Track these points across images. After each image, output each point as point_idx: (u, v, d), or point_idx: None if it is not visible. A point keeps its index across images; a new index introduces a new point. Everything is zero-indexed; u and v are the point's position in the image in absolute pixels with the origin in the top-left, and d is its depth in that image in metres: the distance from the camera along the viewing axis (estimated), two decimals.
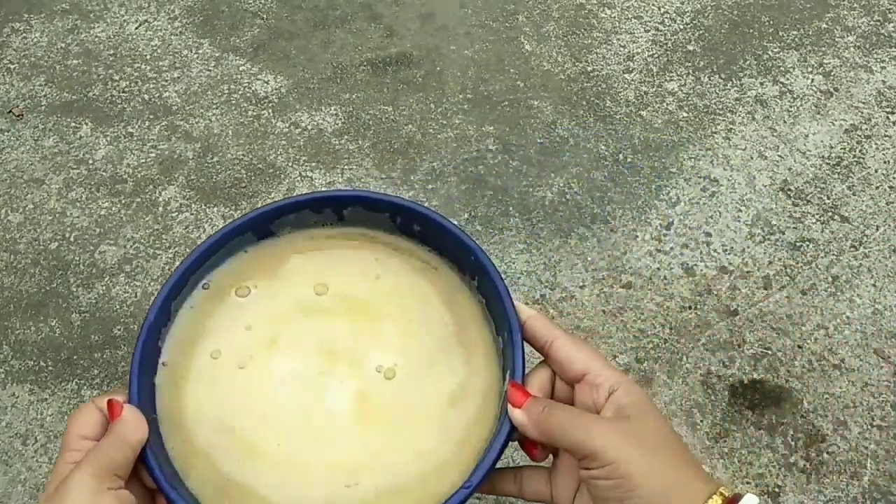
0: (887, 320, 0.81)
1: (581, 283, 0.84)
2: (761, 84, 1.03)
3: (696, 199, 0.92)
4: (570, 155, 0.96)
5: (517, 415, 0.44)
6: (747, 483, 0.71)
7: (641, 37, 1.08)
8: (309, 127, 0.99)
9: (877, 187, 0.92)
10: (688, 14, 1.11)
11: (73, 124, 1.00)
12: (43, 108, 1.02)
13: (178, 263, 0.53)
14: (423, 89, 1.03)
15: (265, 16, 1.13)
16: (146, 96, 1.03)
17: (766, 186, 0.92)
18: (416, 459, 0.46)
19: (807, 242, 0.88)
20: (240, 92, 1.03)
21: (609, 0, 1.13)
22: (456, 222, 0.89)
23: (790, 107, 1.00)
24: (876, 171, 0.94)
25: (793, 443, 0.73)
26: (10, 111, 1.02)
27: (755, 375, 0.78)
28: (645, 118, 0.99)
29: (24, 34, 1.11)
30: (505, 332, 0.48)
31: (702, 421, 0.75)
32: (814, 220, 0.89)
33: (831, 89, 1.02)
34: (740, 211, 0.90)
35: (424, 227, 0.52)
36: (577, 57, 1.06)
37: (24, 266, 0.87)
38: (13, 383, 0.78)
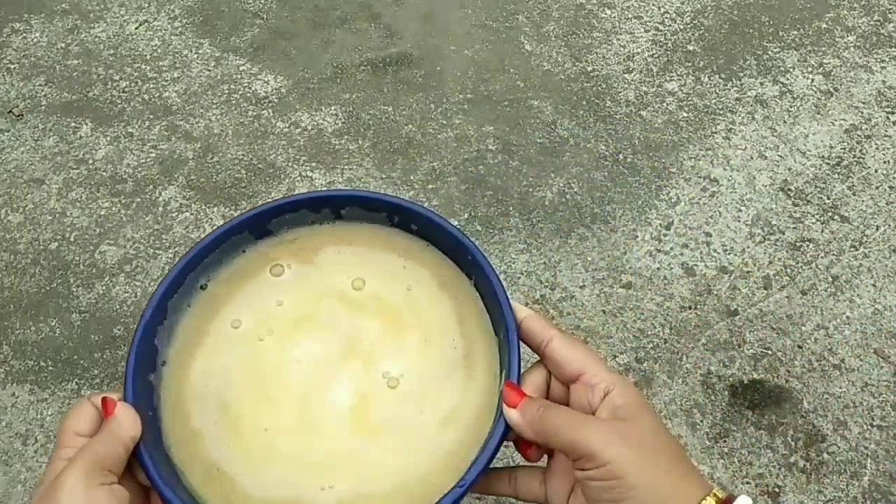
0: (887, 320, 0.81)
1: (581, 283, 0.84)
2: (761, 84, 1.03)
3: (696, 199, 0.92)
4: (570, 155, 0.96)
5: (512, 415, 0.44)
6: (747, 483, 0.71)
7: (641, 37, 1.08)
8: (309, 127, 0.99)
9: (877, 187, 0.92)
10: (688, 14, 1.11)
11: (73, 124, 1.00)
12: (43, 108, 1.02)
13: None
14: (423, 89, 1.03)
15: (265, 16, 1.13)
16: (146, 96, 1.03)
17: (766, 186, 0.92)
18: (394, 473, 0.46)
19: (807, 242, 0.88)
20: (240, 92, 1.03)
21: (609, 0, 1.13)
22: (456, 222, 0.89)
23: (790, 107, 1.00)
24: (876, 171, 0.94)
25: (793, 443, 0.73)
26: (10, 111, 1.02)
27: (755, 375, 0.77)
28: (645, 118, 0.99)
29: (24, 34, 1.11)
30: (501, 332, 0.48)
31: (702, 421, 0.74)
32: (814, 220, 0.89)
33: (831, 89, 1.02)
34: (740, 211, 0.90)
35: (422, 226, 0.52)
36: (577, 57, 1.06)
37: (24, 266, 0.87)
38: (13, 383, 0.78)
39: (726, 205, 0.91)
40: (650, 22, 1.10)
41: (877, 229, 0.89)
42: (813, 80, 1.03)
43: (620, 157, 0.95)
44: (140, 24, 1.12)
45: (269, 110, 1.01)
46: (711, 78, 1.04)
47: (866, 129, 0.98)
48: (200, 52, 1.08)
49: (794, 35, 1.08)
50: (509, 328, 0.46)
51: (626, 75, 1.04)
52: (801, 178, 0.93)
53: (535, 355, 0.48)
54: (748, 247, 0.87)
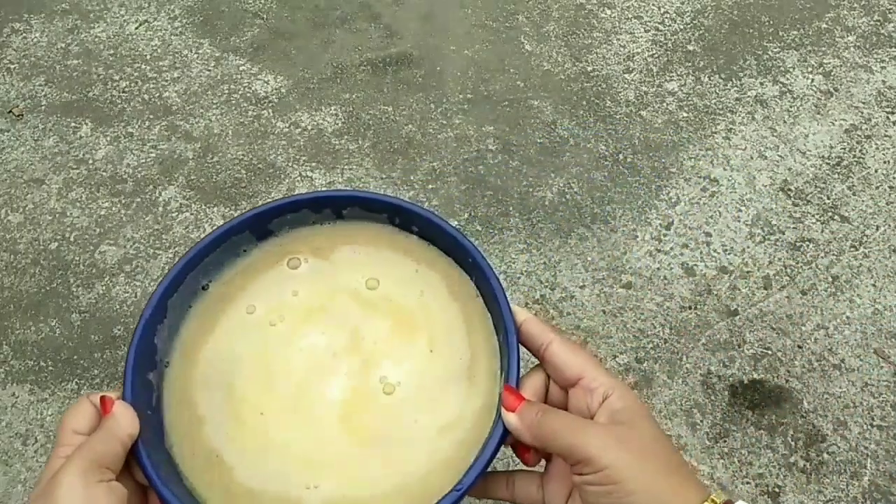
0: (887, 320, 0.81)
1: (581, 283, 0.84)
2: (761, 84, 1.03)
3: (696, 199, 0.92)
4: (570, 155, 0.96)
5: (511, 419, 0.44)
6: (747, 483, 0.71)
7: (641, 37, 1.08)
8: (309, 127, 0.99)
9: (877, 187, 0.92)
10: (688, 14, 1.11)
11: (73, 124, 1.00)
12: (43, 108, 1.02)
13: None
14: (423, 89, 1.03)
15: (265, 16, 1.13)
16: (146, 96, 1.03)
17: (766, 186, 0.92)
18: (381, 479, 0.46)
19: (807, 242, 0.88)
20: (240, 92, 1.03)
21: (609, 0, 1.13)
22: (456, 222, 0.89)
23: (790, 107, 1.00)
24: (876, 171, 0.94)
25: (793, 443, 0.73)
26: (10, 111, 1.02)
27: (755, 375, 0.77)
28: (645, 118, 0.99)
29: (24, 34, 1.11)
30: (501, 335, 0.48)
31: (702, 421, 0.74)
32: (814, 220, 0.89)
33: (831, 89, 1.02)
34: (740, 211, 0.90)
35: (422, 227, 0.52)
36: (577, 57, 1.06)
37: (24, 266, 0.87)
38: (13, 383, 0.78)
39: (726, 205, 0.91)
40: (650, 22, 1.10)
41: (877, 229, 0.89)
42: (813, 80, 1.03)
43: (620, 157, 0.95)
44: (140, 24, 1.12)
45: (269, 110, 1.01)
46: (711, 78, 1.04)
47: (866, 129, 0.98)
48: (200, 52, 1.08)
49: (794, 35, 1.08)
50: (508, 331, 0.46)
51: (626, 75, 1.04)
52: (801, 178, 0.93)
53: (535, 358, 0.48)
54: (748, 247, 0.87)
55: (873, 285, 0.84)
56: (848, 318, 0.81)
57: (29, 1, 1.15)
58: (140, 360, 0.47)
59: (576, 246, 0.87)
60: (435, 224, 0.51)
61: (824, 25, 1.09)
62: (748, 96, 1.01)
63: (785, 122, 0.99)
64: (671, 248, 0.87)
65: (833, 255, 0.86)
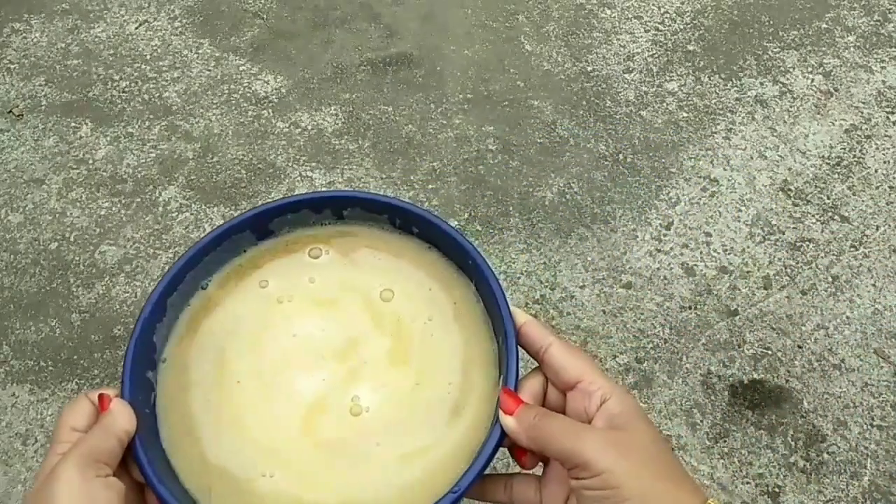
0: (887, 320, 0.81)
1: (581, 283, 0.84)
2: (761, 84, 1.03)
3: (696, 199, 0.92)
4: (570, 155, 0.96)
5: (508, 421, 0.44)
6: (747, 483, 0.71)
7: (641, 37, 1.08)
8: (309, 127, 0.99)
9: (877, 187, 0.92)
10: (688, 14, 1.11)
11: (73, 124, 1.00)
12: (43, 108, 1.02)
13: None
14: (423, 89, 1.03)
15: (265, 16, 1.13)
16: (146, 96, 1.03)
17: (766, 186, 0.92)
18: (333, 487, 0.47)
19: (807, 242, 0.88)
20: (240, 92, 1.03)
21: (609, 0, 1.13)
22: (456, 222, 0.89)
23: (790, 107, 1.00)
24: (876, 171, 0.94)
25: (793, 443, 0.73)
26: (10, 111, 1.02)
27: (755, 375, 0.77)
28: (645, 118, 0.99)
29: (24, 34, 1.11)
30: (500, 337, 0.48)
31: (702, 421, 0.74)
32: (814, 220, 0.89)
33: (831, 89, 1.02)
34: (740, 211, 0.90)
35: (423, 229, 0.52)
36: (577, 57, 1.06)
37: (24, 266, 0.87)
38: (13, 383, 0.78)
39: (726, 205, 0.91)
40: (650, 22, 1.10)
41: (877, 229, 0.89)
42: (813, 80, 1.03)
43: (620, 157, 0.95)
44: (140, 24, 1.11)
45: (269, 110, 1.01)
46: (711, 78, 1.04)
47: (866, 129, 0.98)
48: (200, 52, 1.08)
49: (794, 35, 1.08)
50: (508, 334, 0.46)
51: (626, 75, 1.04)
52: (801, 178, 0.93)
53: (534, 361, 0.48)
54: (748, 247, 0.87)
55: (873, 285, 0.84)
56: (848, 318, 0.81)
57: (29, 1, 1.15)
58: (138, 359, 0.47)
59: (576, 246, 0.87)
60: (435, 226, 0.51)
61: (824, 25, 1.09)
62: (748, 96, 1.01)
63: (785, 122, 0.99)
64: (671, 248, 0.87)
65: (833, 255, 0.86)
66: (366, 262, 0.54)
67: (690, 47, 1.07)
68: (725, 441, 0.73)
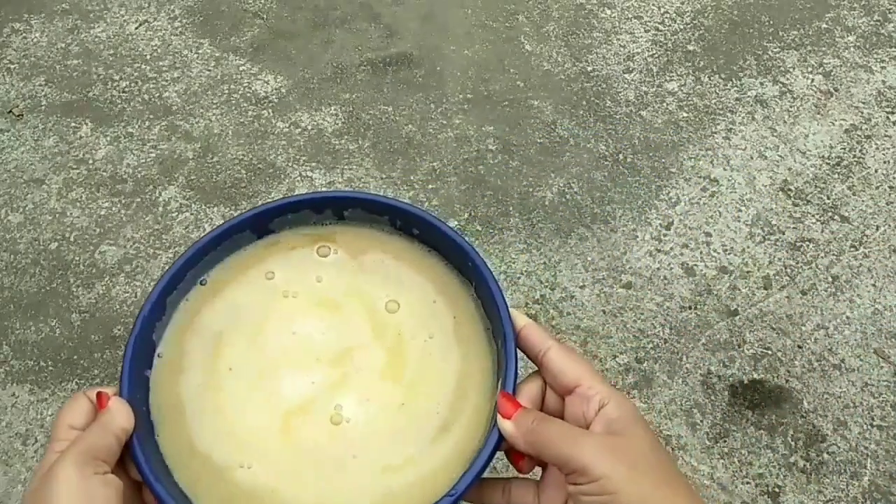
0: (887, 320, 0.81)
1: (581, 283, 0.84)
2: (761, 84, 1.03)
3: (696, 199, 0.92)
4: (570, 155, 0.96)
5: (506, 425, 0.44)
6: (747, 483, 0.71)
7: (641, 37, 1.08)
8: (309, 127, 0.99)
9: (877, 187, 0.92)
10: (688, 14, 1.11)
11: (73, 124, 1.00)
12: (43, 108, 1.02)
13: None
14: (423, 89, 1.03)
15: (265, 16, 1.13)
16: (146, 96, 1.03)
17: (766, 186, 0.92)
18: (306, 487, 0.47)
19: (807, 242, 0.88)
20: (240, 92, 1.03)
21: (609, 0, 1.13)
22: (456, 222, 0.89)
23: (790, 107, 1.00)
24: (876, 171, 0.94)
25: (793, 443, 0.73)
26: (10, 111, 1.02)
27: (755, 375, 0.77)
28: (645, 118, 0.99)
29: (24, 34, 1.11)
30: (499, 341, 0.48)
31: (702, 421, 0.74)
32: (814, 220, 0.89)
33: (831, 89, 1.02)
34: (740, 211, 0.90)
35: (424, 231, 0.52)
36: (577, 57, 1.06)
37: (24, 266, 0.87)
38: (13, 383, 0.78)
39: (726, 205, 0.91)
40: (650, 22, 1.10)
41: (877, 229, 0.89)
42: (813, 80, 1.03)
43: (620, 157, 0.95)
44: (140, 24, 1.12)
45: (269, 110, 1.01)
46: (711, 78, 1.04)
47: (866, 129, 0.98)
48: (200, 52, 1.08)
49: (794, 35, 1.08)
50: (507, 337, 0.46)
51: (626, 75, 1.04)
52: (801, 178, 0.93)
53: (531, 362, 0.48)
54: (748, 247, 0.87)
55: (873, 285, 0.84)
56: (848, 318, 0.81)
57: (29, 1, 1.15)
58: (137, 357, 0.47)
59: (576, 246, 0.87)
60: (437, 228, 0.51)
61: (824, 25, 1.09)
62: (748, 96, 1.01)
63: (785, 122, 0.99)
64: (671, 248, 0.87)
65: (833, 255, 0.86)
66: (374, 267, 0.54)
67: (690, 47, 1.07)
68: (725, 441, 0.73)
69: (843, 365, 0.78)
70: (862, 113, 0.99)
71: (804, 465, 0.72)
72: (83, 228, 0.90)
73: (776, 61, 1.05)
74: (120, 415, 0.43)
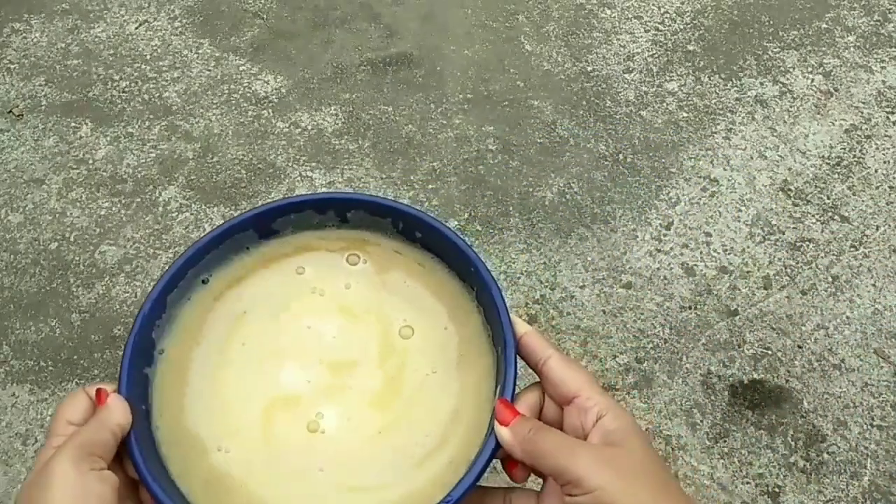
0: (887, 320, 0.81)
1: (581, 283, 0.84)
2: (761, 84, 1.03)
3: (696, 199, 0.92)
4: (570, 155, 0.96)
5: (503, 433, 0.44)
6: (747, 483, 0.71)
7: (641, 37, 1.08)
8: (309, 127, 0.99)
9: (877, 187, 0.92)
10: (688, 14, 1.11)
11: (73, 124, 1.00)
12: (43, 108, 1.02)
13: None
14: (423, 89, 1.03)
15: (265, 16, 1.13)
16: (146, 96, 1.03)
17: (766, 186, 0.92)
18: (274, 483, 0.47)
19: (807, 242, 0.88)
20: (240, 92, 1.03)
21: (609, 0, 1.13)
22: (456, 222, 0.89)
23: (790, 107, 1.00)
24: (876, 171, 0.94)
25: (793, 443, 0.73)
26: (10, 111, 1.02)
27: (755, 375, 0.77)
28: (645, 118, 0.99)
29: (24, 34, 1.11)
30: (499, 348, 0.48)
31: (702, 421, 0.74)
32: (814, 220, 0.89)
33: (831, 89, 1.02)
34: (740, 211, 0.90)
35: (427, 234, 0.52)
36: (577, 57, 1.06)
37: (24, 266, 0.87)
38: (13, 383, 0.78)
39: (726, 205, 0.91)
40: (650, 22, 1.10)
41: (877, 229, 0.89)
42: (813, 80, 1.03)
43: (620, 157, 0.96)
44: (140, 24, 1.11)
45: (269, 110, 1.01)
46: (711, 78, 1.04)
47: (866, 129, 0.98)
48: (200, 52, 1.08)
49: (794, 35, 1.08)
50: (507, 344, 0.46)
51: (626, 75, 1.04)
52: (801, 178, 0.93)
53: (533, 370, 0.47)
54: (748, 247, 0.87)
55: (873, 285, 0.84)
56: (848, 318, 0.81)
57: (29, 1, 1.15)
58: (137, 355, 0.47)
59: (576, 246, 0.87)
60: (440, 232, 0.51)
61: (824, 25, 1.09)
62: (748, 96, 1.01)
63: (785, 122, 0.99)
64: (671, 248, 0.87)
65: (833, 255, 0.86)
66: (396, 286, 0.54)
67: (690, 47, 1.07)
68: (725, 441, 0.73)
69: (843, 365, 0.78)
70: (862, 113, 0.99)
71: (804, 465, 0.72)
72: (83, 228, 0.90)
73: (776, 61, 1.05)
74: (117, 411, 0.44)
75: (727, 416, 0.75)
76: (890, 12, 1.10)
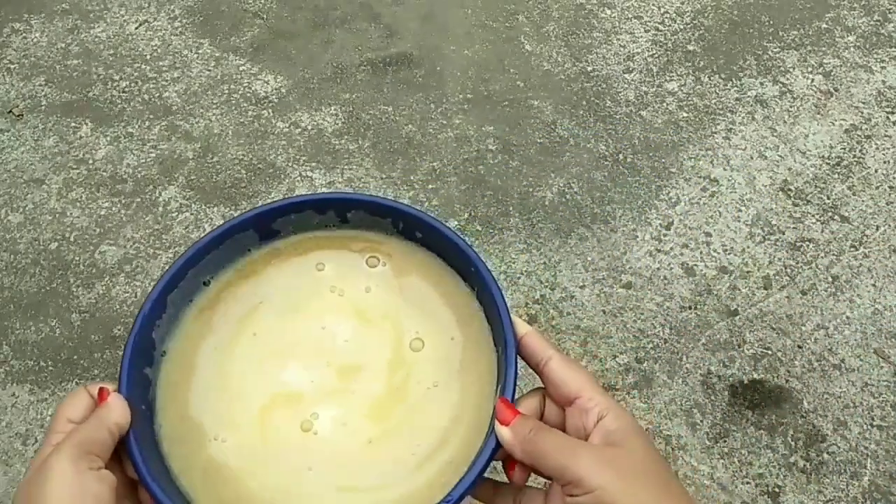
0: (887, 320, 0.81)
1: (581, 283, 0.84)
2: (761, 84, 1.03)
3: (696, 199, 0.92)
4: (571, 155, 0.96)
5: (503, 432, 0.44)
6: (747, 483, 0.71)
7: (641, 37, 1.08)
8: (309, 127, 0.99)
9: (877, 187, 0.92)
10: (688, 14, 1.11)
11: (73, 124, 1.00)
12: (43, 108, 1.02)
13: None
14: (423, 89, 1.03)
15: (265, 16, 1.13)
16: (146, 96, 1.03)
17: (766, 186, 0.92)
18: (263, 475, 0.47)
19: (807, 242, 0.88)
20: (240, 92, 1.03)
21: (609, 0, 1.13)
22: (456, 222, 0.89)
23: (790, 107, 1.00)
24: (876, 171, 0.94)
25: (793, 443, 0.73)
26: (10, 111, 1.02)
27: (755, 375, 0.77)
28: (645, 118, 0.99)
29: (24, 34, 1.11)
30: (500, 347, 0.48)
31: (702, 421, 0.75)
32: (814, 220, 0.89)
33: (831, 89, 1.02)
34: (740, 211, 0.90)
35: (427, 234, 0.52)
36: (577, 57, 1.06)
37: (24, 266, 0.87)
38: (13, 383, 0.78)
39: (726, 205, 0.91)
40: (650, 22, 1.10)
41: (877, 229, 0.89)
42: (813, 80, 1.03)
43: (620, 157, 0.96)
44: (140, 24, 1.12)
45: (269, 110, 1.01)
46: (711, 78, 1.04)
47: (866, 129, 0.98)
48: (200, 52, 1.08)
49: (794, 35, 1.08)
50: (508, 344, 0.46)
51: (626, 75, 1.04)
52: (801, 178, 0.93)
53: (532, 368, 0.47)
54: (748, 247, 0.87)
55: (873, 285, 0.84)
56: (848, 318, 0.81)
57: (29, 1, 1.15)
58: (137, 354, 0.47)
59: (576, 246, 0.87)
60: (440, 232, 0.51)
61: (824, 25, 1.09)
62: (748, 96, 1.01)
63: (785, 122, 0.99)
64: (671, 248, 0.87)
65: (833, 255, 0.86)
66: (412, 293, 0.54)
67: (690, 47, 1.07)
68: (725, 441, 0.73)
69: (843, 365, 0.78)
70: (862, 113, 0.99)
71: (804, 465, 0.72)
72: (83, 228, 0.90)
73: (776, 61, 1.05)
74: (116, 410, 0.44)
75: (727, 416, 0.75)
76: (890, 12, 1.10)
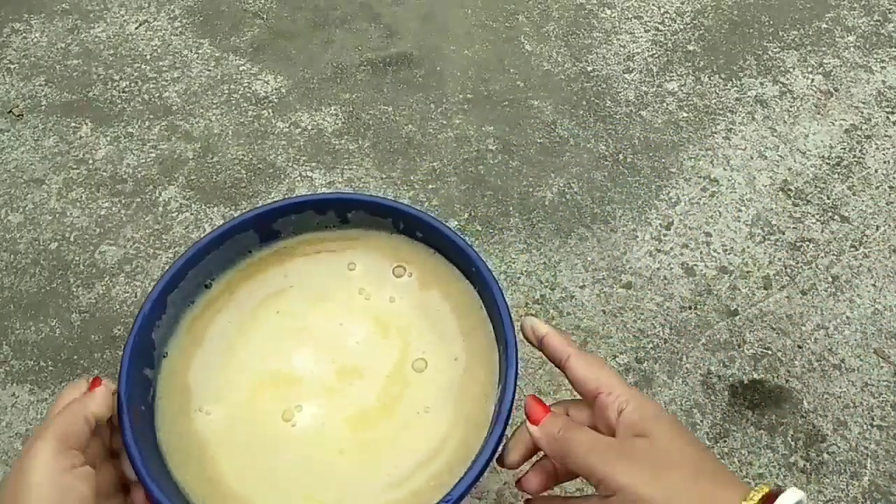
0: (887, 320, 0.81)
1: (581, 283, 0.84)
2: (761, 84, 1.03)
3: (696, 199, 0.92)
4: (570, 155, 0.96)
5: (534, 431, 0.44)
6: (747, 483, 0.71)
7: (641, 37, 1.08)
8: (309, 127, 0.99)
9: (877, 187, 0.92)
10: (688, 14, 1.11)
11: (73, 124, 1.00)
12: (43, 108, 1.02)
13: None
14: (423, 89, 1.03)
15: (265, 16, 1.13)
16: (146, 96, 1.03)
17: (766, 186, 0.92)
18: (247, 462, 0.47)
19: (807, 242, 0.88)
20: (240, 92, 1.03)
21: (609, 0, 1.13)
22: (456, 222, 0.89)
23: (790, 107, 1.00)
24: (876, 171, 0.94)
25: (793, 443, 0.73)
26: (10, 111, 1.02)
27: (755, 375, 0.78)
28: (645, 118, 0.99)
29: (24, 34, 1.11)
30: (501, 346, 0.48)
31: (702, 421, 0.75)
32: (814, 220, 0.89)
33: (831, 89, 1.02)
34: (740, 211, 0.90)
35: (427, 234, 0.52)
36: (577, 57, 1.06)
37: (24, 266, 0.87)
38: (13, 383, 0.78)
39: (726, 205, 0.91)
40: (650, 22, 1.10)
41: (877, 229, 0.89)
42: (813, 80, 1.03)
43: (620, 157, 0.96)
44: (140, 24, 1.12)
45: (269, 110, 1.01)
46: (711, 78, 1.04)
47: (866, 129, 0.98)
48: (200, 52, 1.08)
49: (794, 35, 1.08)
50: (508, 343, 0.46)
51: (626, 75, 1.04)
52: (801, 178, 0.93)
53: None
54: (748, 247, 0.87)
55: (873, 285, 0.84)
56: (848, 318, 0.81)
57: (29, 1, 1.15)
58: (136, 355, 0.47)
59: (576, 246, 0.87)
60: (440, 232, 0.51)
61: (824, 25, 1.09)
62: (748, 96, 1.01)
63: (785, 122, 0.99)
64: (671, 248, 0.87)
65: (833, 255, 0.86)
66: (430, 308, 0.54)
67: (690, 47, 1.07)
68: (725, 441, 0.73)
69: (843, 365, 0.78)
70: (862, 113, 0.99)
71: (804, 465, 0.72)
72: (83, 228, 0.90)
73: (776, 61, 1.05)
74: (95, 400, 0.43)
75: (727, 416, 0.75)
76: (890, 12, 1.10)
